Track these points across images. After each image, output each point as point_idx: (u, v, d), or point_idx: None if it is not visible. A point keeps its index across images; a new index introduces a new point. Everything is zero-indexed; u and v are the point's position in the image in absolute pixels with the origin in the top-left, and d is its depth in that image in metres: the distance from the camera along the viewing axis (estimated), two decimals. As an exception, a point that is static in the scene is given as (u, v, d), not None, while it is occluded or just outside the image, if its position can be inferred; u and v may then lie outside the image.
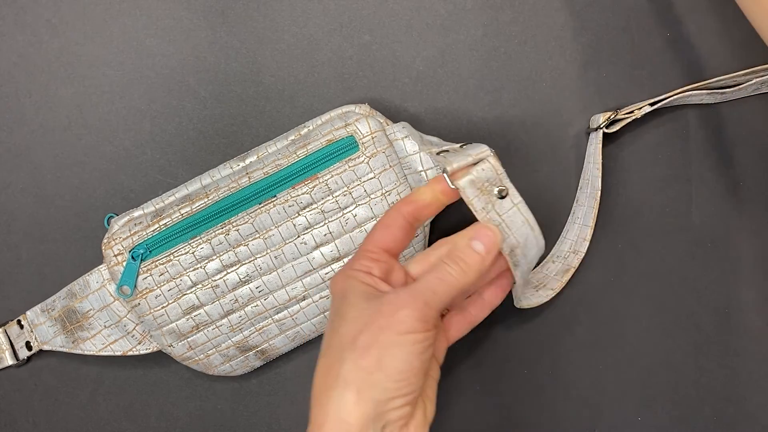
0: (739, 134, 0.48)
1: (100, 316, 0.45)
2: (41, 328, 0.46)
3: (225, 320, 0.43)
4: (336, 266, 0.43)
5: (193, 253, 0.42)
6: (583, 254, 0.47)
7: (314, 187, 0.42)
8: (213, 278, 0.42)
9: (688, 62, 0.47)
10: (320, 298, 0.44)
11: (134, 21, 0.46)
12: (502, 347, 0.48)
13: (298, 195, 0.42)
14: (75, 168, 0.47)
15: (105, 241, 0.42)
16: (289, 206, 0.42)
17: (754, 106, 0.48)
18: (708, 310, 0.48)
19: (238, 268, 0.42)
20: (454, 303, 0.40)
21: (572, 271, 0.47)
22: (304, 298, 0.44)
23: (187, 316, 0.43)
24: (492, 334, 0.48)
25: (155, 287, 0.42)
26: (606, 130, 0.46)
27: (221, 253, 0.42)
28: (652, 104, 0.46)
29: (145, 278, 0.42)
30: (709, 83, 0.46)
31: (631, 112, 0.46)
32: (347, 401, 0.32)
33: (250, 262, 0.42)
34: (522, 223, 0.37)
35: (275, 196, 0.42)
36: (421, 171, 0.43)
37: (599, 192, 0.46)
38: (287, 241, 0.42)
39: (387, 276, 0.36)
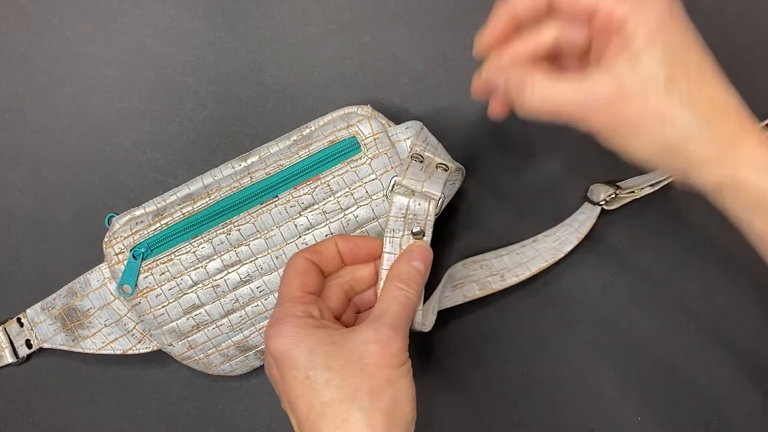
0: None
1: (101, 314, 0.45)
2: (41, 326, 0.46)
3: (225, 320, 0.43)
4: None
5: (194, 252, 0.42)
6: (508, 286, 0.45)
7: (316, 187, 0.42)
8: (214, 278, 0.42)
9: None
10: (321, 298, 0.44)
11: (134, 21, 0.46)
12: (502, 347, 0.48)
13: (300, 195, 0.42)
14: (75, 168, 0.47)
15: (106, 239, 0.42)
16: (291, 206, 0.42)
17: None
18: (708, 310, 0.48)
19: (239, 268, 0.42)
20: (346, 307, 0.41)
21: (487, 293, 0.45)
22: (304, 298, 0.44)
23: (188, 316, 0.43)
24: (492, 334, 0.48)
25: (156, 286, 0.42)
26: (606, 207, 0.46)
27: (222, 253, 0.42)
28: (652, 185, 0.45)
29: (146, 277, 0.42)
30: None
31: (632, 191, 0.46)
32: None
33: (251, 261, 0.42)
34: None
35: (277, 196, 0.42)
36: (421, 171, 0.43)
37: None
38: (288, 242, 0.42)
39: (323, 315, 0.37)
